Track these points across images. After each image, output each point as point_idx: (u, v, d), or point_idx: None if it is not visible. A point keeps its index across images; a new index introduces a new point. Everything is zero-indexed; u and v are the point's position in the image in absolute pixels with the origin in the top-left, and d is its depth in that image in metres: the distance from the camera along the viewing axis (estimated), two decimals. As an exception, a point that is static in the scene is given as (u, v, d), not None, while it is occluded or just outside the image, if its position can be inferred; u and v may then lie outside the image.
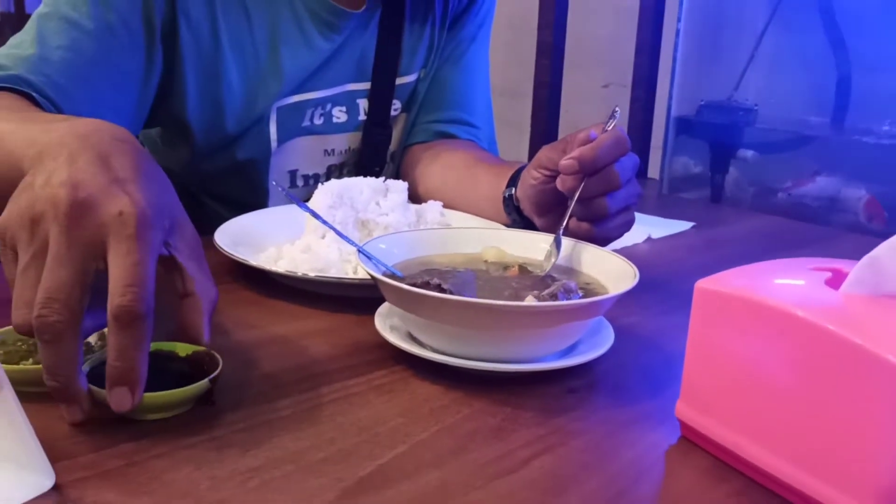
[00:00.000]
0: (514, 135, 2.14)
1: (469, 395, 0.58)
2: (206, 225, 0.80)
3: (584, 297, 0.63)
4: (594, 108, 2.02)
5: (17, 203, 0.51)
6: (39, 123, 0.64)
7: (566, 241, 0.73)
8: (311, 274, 0.74)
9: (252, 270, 0.77)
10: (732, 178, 1.34)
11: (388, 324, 0.65)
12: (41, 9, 0.88)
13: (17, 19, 4.17)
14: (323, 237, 0.80)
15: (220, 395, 0.56)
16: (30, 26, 0.87)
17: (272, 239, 0.85)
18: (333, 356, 0.64)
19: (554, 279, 0.66)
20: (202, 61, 0.94)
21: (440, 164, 1.05)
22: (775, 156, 1.34)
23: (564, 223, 0.75)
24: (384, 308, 0.67)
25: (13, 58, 0.84)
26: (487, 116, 1.19)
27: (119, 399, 0.48)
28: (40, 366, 0.54)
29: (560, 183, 0.77)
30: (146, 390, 0.51)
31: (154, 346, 0.57)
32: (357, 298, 0.74)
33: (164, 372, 0.56)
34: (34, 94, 0.82)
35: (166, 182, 0.57)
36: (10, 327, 0.58)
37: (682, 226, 1.10)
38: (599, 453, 0.52)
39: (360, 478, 0.47)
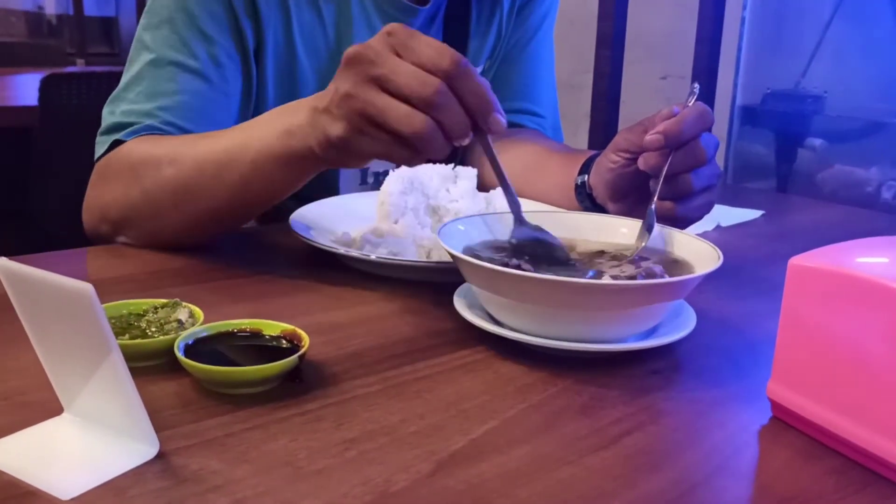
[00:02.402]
0: (567, 127, 2.12)
1: (553, 374, 0.58)
2: (281, 220, 0.82)
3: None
4: (652, 101, 2.00)
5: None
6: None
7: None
8: (387, 257, 0.75)
9: (327, 255, 0.78)
10: (800, 167, 1.32)
11: (467, 304, 0.65)
12: (145, 55, 0.88)
13: (77, 22, 4.28)
14: (396, 223, 0.81)
15: (306, 371, 0.56)
16: (138, 75, 0.88)
17: (345, 225, 0.86)
18: (414, 337, 0.64)
19: (642, 260, 0.66)
20: (279, 65, 0.96)
21: (507, 154, 1.05)
22: (846, 144, 1.31)
23: (654, 201, 0.74)
24: (462, 290, 0.67)
25: (135, 113, 0.86)
26: (553, 105, 1.19)
27: (498, 119, 0.60)
28: (138, 341, 0.56)
29: (643, 162, 0.76)
30: (237, 367, 0.52)
31: (243, 324, 0.58)
32: (431, 283, 0.75)
33: (254, 349, 0.57)
34: None
35: None
36: (105, 305, 0.60)
37: (752, 214, 1.09)
38: (690, 432, 0.52)
39: (454, 451, 0.48)
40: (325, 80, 0.98)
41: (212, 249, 0.82)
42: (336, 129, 0.64)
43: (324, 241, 0.78)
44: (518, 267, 0.59)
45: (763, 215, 1.10)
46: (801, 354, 0.51)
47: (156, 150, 0.80)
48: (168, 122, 0.85)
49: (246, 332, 0.58)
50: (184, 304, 0.61)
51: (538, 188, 0.97)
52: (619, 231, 0.73)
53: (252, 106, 0.95)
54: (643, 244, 0.69)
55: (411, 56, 0.60)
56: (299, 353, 0.54)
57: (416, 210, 0.82)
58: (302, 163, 0.71)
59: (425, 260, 0.76)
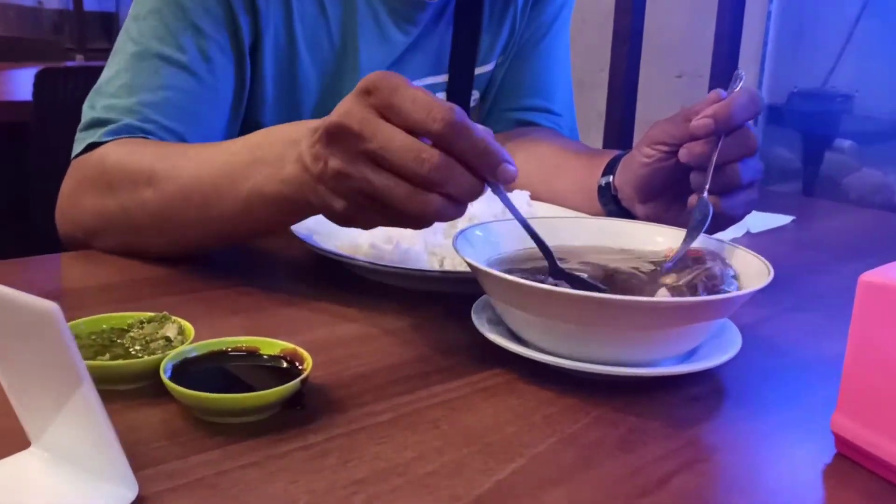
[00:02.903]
0: (579, 127, 2.05)
1: (584, 401, 0.52)
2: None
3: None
4: (667, 100, 1.93)
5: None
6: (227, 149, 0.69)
7: (680, 233, 0.66)
8: (396, 265, 0.68)
9: (331, 262, 0.71)
10: (827, 169, 1.26)
11: (486, 320, 0.59)
12: (129, 46, 0.81)
13: (77, 17, 4.22)
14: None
15: (309, 397, 0.50)
16: (120, 67, 0.81)
17: (351, 229, 0.79)
18: (427, 356, 0.58)
19: (696, 262, 0.59)
20: (279, 64, 0.89)
21: (523, 154, 0.98)
22: (876, 146, 1.25)
23: (705, 191, 0.67)
24: (481, 303, 0.61)
25: (116, 109, 0.79)
26: (569, 103, 1.13)
27: (507, 171, 0.55)
28: (120, 362, 0.50)
29: (686, 152, 0.70)
30: (232, 391, 0.46)
31: (239, 342, 0.52)
32: (445, 293, 0.69)
33: (250, 371, 0.51)
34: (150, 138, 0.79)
35: None
36: (83, 320, 0.53)
37: (782, 220, 1.03)
38: (744, 472, 0.46)
39: (478, 496, 0.41)
40: (329, 81, 0.93)
41: (204, 256, 0.76)
42: (337, 204, 0.58)
43: (328, 247, 0.72)
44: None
45: (793, 221, 1.03)
46: (872, 383, 0.45)
47: (133, 163, 0.74)
48: (150, 120, 0.78)
49: (241, 351, 0.52)
50: (173, 318, 0.55)
51: (556, 190, 0.91)
52: (654, 240, 0.66)
53: (245, 105, 0.88)
54: (697, 235, 0.62)
55: (398, 118, 0.54)
56: (301, 376, 0.48)
57: (427, 214, 0.75)
58: (300, 210, 0.65)
59: (438, 269, 0.70)
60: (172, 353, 0.50)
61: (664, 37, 2.03)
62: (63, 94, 1.83)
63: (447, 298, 0.68)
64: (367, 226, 0.61)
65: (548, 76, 1.10)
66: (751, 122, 0.72)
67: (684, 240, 0.63)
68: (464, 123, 0.54)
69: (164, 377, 0.47)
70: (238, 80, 0.86)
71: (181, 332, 0.54)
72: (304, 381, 0.48)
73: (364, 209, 0.58)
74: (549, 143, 1.00)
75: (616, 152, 0.87)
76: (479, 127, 0.55)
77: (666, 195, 0.75)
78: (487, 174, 0.56)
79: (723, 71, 1.60)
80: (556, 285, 0.55)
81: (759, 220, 1.00)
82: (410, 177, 0.54)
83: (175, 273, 0.72)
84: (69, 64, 2.86)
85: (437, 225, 0.75)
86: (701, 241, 0.63)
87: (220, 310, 0.65)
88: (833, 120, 1.25)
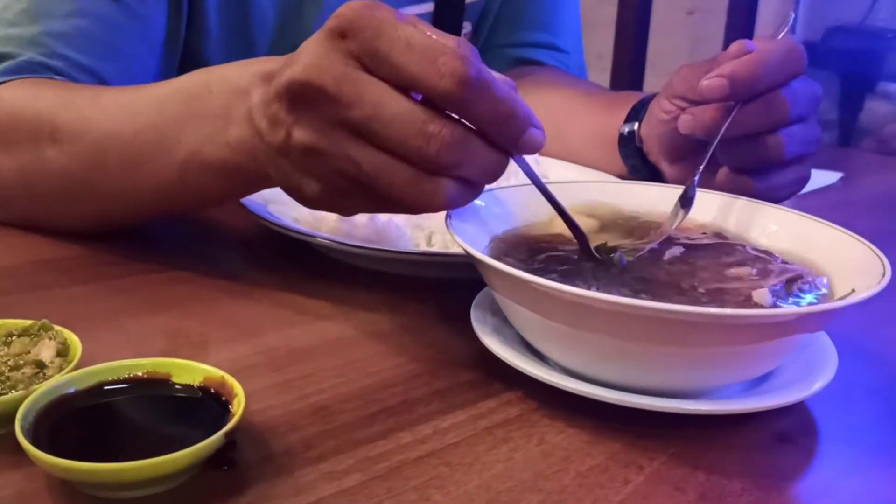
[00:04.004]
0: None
1: (633, 447, 0.37)
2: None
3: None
4: (678, 40, 1.75)
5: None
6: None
7: (727, 200, 0.51)
8: (370, 245, 0.52)
9: (288, 240, 0.55)
10: (867, 117, 1.10)
11: (490, 323, 0.44)
12: None
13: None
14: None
15: (243, 449, 0.35)
16: None
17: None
18: (411, 374, 0.43)
19: (768, 256, 0.44)
20: None
21: (527, 99, 0.82)
22: (926, 91, 1.09)
23: (700, 168, 0.52)
24: (483, 298, 0.46)
25: (13, 41, 0.61)
26: (577, 40, 0.96)
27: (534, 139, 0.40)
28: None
29: (689, 120, 0.55)
30: (123, 451, 0.31)
31: (141, 366, 0.37)
32: (436, 278, 0.53)
33: (155, 414, 0.36)
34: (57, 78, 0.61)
35: None
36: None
37: (829, 178, 0.87)
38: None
39: None
40: (288, 10, 0.75)
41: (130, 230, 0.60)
42: (309, 187, 0.43)
43: (285, 220, 0.56)
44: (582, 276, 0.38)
45: (841, 179, 0.88)
46: None
47: (32, 112, 0.57)
48: (58, 55, 0.61)
49: (145, 380, 0.37)
50: (56, 328, 0.40)
51: (570, 141, 0.75)
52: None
53: (183, 38, 0.71)
54: (676, 223, 0.48)
55: (388, 71, 0.39)
56: (226, 426, 0.33)
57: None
58: (256, 182, 0.49)
59: (425, 249, 0.55)
60: (40, 389, 0.34)
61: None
62: None
63: (440, 286, 0.53)
64: (350, 212, 0.46)
65: (554, 7, 0.93)
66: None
67: (669, 220, 0.48)
68: (482, 78, 0.38)
69: (21, 437, 0.31)
70: (173, 4, 0.69)
71: (61, 352, 0.38)
72: (230, 434, 0.33)
73: (346, 194, 0.42)
74: (558, 85, 0.83)
75: (641, 95, 0.71)
76: (500, 79, 0.40)
77: (695, 156, 0.59)
78: (509, 145, 0.40)
79: (741, 5, 1.43)
80: (591, 281, 0.39)
81: (803, 178, 0.84)
82: (412, 158, 0.39)
83: (88, 253, 0.56)
84: None
85: (423, 189, 0.59)
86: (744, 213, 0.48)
87: (140, 305, 0.49)
88: (876, 60, 1.09)
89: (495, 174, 0.41)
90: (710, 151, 0.54)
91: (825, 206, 0.79)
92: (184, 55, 0.73)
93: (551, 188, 0.45)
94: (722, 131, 0.54)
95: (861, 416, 0.42)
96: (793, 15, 0.62)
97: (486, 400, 0.41)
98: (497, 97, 0.39)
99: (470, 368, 0.43)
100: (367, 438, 0.37)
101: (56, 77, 0.61)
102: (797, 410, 0.41)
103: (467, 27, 0.89)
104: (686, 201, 0.50)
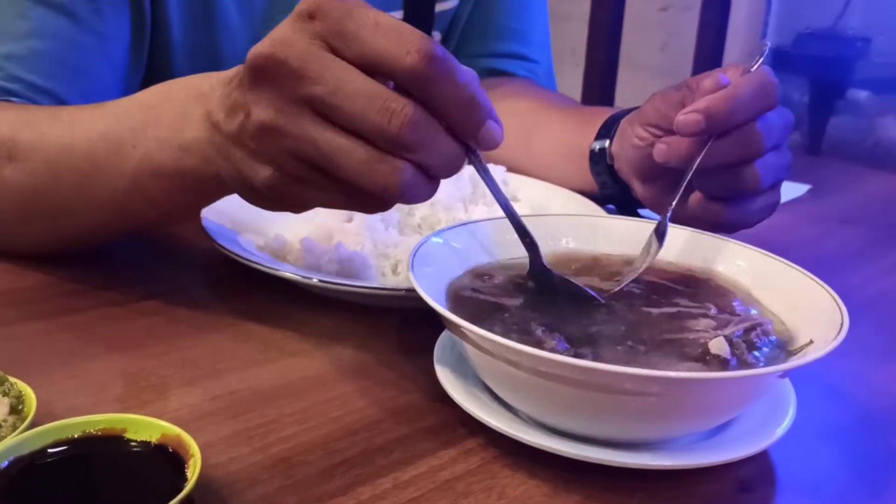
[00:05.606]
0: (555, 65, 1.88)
1: (594, 499, 0.37)
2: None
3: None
4: (651, 35, 1.75)
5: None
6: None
7: (684, 234, 0.51)
8: (334, 280, 0.52)
9: (244, 267, 0.55)
10: (838, 123, 1.11)
11: (451, 364, 0.43)
12: None
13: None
14: (350, 220, 0.58)
15: (199, 509, 0.35)
16: None
17: (279, 223, 0.61)
18: (373, 420, 0.43)
19: (720, 301, 0.44)
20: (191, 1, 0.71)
21: (497, 109, 0.81)
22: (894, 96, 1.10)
23: (673, 204, 0.52)
24: (446, 342, 0.45)
25: None
26: (546, 47, 0.95)
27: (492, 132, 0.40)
28: None
29: (664, 150, 0.55)
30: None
31: (94, 422, 0.36)
32: (398, 309, 0.53)
33: (111, 475, 0.35)
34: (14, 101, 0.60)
35: None
36: None
37: (796, 190, 0.88)
38: None
39: None
40: (258, 22, 0.74)
41: (91, 253, 0.59)
42: (260, 173, 0.42)
43: (246, 248, 0.55)
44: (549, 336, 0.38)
45: (809, 191, 0.88)
46: None
47: None
48: (15, 78, 0.60)
49: (99, 437, 0.36)
50: (10, 380, 0.39)
51: (538, 155, 0.75)
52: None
53: (147, 52, 0.70)
54: (648, 260, 0.48)
55: (354, 51, 0.38)
56: (181, 493, 0.32)
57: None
58: (208, 188, 0.48)
59: (391, 285, 0.54)
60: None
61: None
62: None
63: (405, 316, 0.52)
64: (300, 206, 0.45)
65: (523, 13, 0.92)
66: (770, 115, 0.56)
67: (641, 256, 0.48)
68: (447, 60, 0.38)
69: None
70: (135, 18, 0.67)
71: (15, 408, 0.37)
72: (186, 501, 0.32)
73: (299, 182, 0.42)
74: (528, 97, 0.83)
75: (612, 110, 0.71)
76: (462, 67, 0.39)
77: (669, 176, 0.59)
78: (468, 137, 0.40)
79: (716, 2, 1.43)
80: (545, 332, 0.39)
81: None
82: (372, 135, 0.39)
83: (45, 282, 0.55)
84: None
85: (390, 216, 0.59)
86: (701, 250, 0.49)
87: (98, 343, 0.49)
88: (845, 66, 1.10)
89: (453, 166, 0.41)
90: (684, 184, 0.53)
91: (796, 224, 0.80)
92: (149, 71, 0.71)
93: (525, 220, 0.45)
94: (697, 161, 0.53)
95: (821, 459, 0.42)
96: (767, 43, 0.61)
97: (448, 448, 0.40)
98: (459, 81, 0.39)
99: (433, 412, 0.43)
100: (326, 494, 0.37)
101: (14, 100, 0.60)
102: (758, 456, 0.41)
103: (436, 35, 0.88)
104: (660, 235, 0.50)
